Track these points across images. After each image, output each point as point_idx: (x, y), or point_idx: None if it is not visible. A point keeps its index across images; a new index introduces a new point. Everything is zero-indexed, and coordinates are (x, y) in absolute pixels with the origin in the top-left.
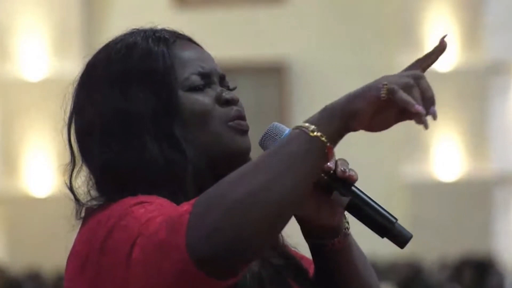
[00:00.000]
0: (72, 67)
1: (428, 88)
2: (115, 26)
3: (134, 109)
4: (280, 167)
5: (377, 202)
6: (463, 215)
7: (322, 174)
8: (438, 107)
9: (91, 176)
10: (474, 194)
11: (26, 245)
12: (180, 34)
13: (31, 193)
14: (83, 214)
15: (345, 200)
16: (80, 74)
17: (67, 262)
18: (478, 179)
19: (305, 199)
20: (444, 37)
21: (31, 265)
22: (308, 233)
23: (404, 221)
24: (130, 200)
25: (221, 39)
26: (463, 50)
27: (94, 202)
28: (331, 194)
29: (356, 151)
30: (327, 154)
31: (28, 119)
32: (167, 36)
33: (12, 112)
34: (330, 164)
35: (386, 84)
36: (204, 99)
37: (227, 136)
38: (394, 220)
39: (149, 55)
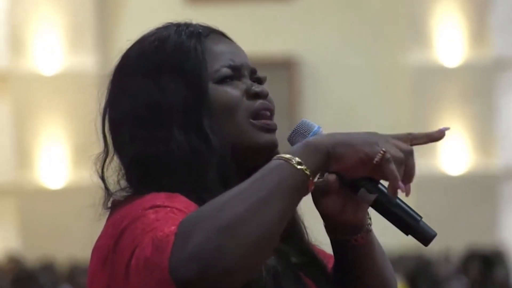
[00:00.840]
0: (85, 62)
1: (413, 167)
2: (128, 22)
3: (165, 100)
4: (264, 198)
5: (402, 200)
6: (470, 209)
7: None
8: (446, 102)
9: (122, 167)
10: (481, 188)
11: (40, 236)
12: (214, 29)
13: (45, 185)
14: (109, 205)
15: (372, 197)
16: (114, 67)
17: (92, 253)
18: (485, 173)
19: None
20: (445, 129)
21: (45, 256)
22: (331, 228)
23: None
24: (149, 201)
25: (232, 35)
26: (470, 47)
27: (123, 193)
28: (357, 192)
29: None
30: (308, 187)
31: (42, 112)
32: (200, 30)
33: (26, 105)
34: None
35: (384, 152)
36: (233, 91)
37: (251, 132)
38: (419, 218)
39: (181, 48)
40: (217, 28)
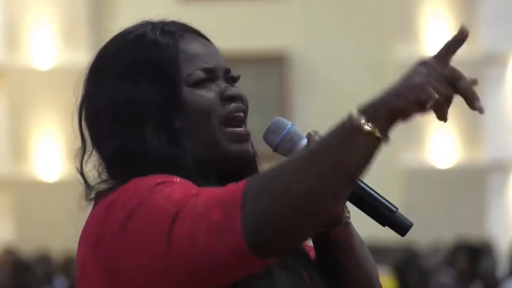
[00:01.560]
0: (80, 57)
1: (468, 88)
2: (122, 18)
3: (139, 100)
4: (334, 163)
5: (377, 192)
6: (457, 201)
7: None
8: None
9: (101, 161)
10: (469, 181)
11: (35, 228)
12: (189, 27)
13: (40, 178)
14: (92, 197)
15: None
16: (90, 63)
17: (79, 243)
18: (473, 166)
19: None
20: (463, 26)
21: (40, 247)
22: None
23: (401, 206)
24: (150, 181)
25: (224, 30)
26: None
27: (104, 186)
28: None
29: None
30: (379, 144)
31: (37, 106)
32: (174, 30)
33: (21, 100)
34: None
35: (434, 96)
36: (208, 94)
37: (223, 141)
38: (395, 209)
39: (155, 47)
40: (192, 27)
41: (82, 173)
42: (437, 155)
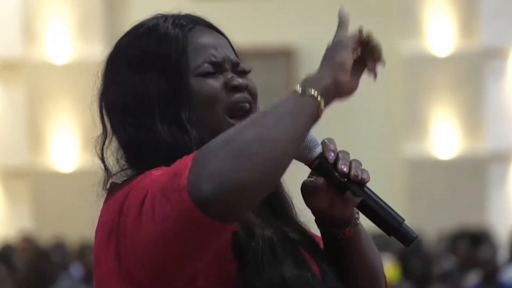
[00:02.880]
0: (95, 51)
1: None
2: (136, 12)
3: (148, 91)
4: (279, 122)
5: (386, 203)
6: (459, 190)
7: (337, 175)
8: (437, 89)
9: (119, 147)
10: (470, 171)
11: (52, 216)
12: (201, 20)
13: (56, 168)
14: (108, 186)
15: (357, 199)
16: (106, 56)
17: (95, 233)
18: (474, 156)
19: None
20: (341, 10)
21: (56, 235)
22: (321, 222)
23: (404, 196)
24: (151, 171)
25: (234, 25)
26: (460, 36)
27: (122, 174)
28: (344, 193)
29: (362, 132)
30: (319, 110)
31: (53, 99)
32: (184, 23)
33: (39, 92)
34: (344, 167)
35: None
36: (213, 83)
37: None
38: (402, 221)
39: (165, 40)
40: (204, 19)
41: (103, 159)
42: (439, 146)
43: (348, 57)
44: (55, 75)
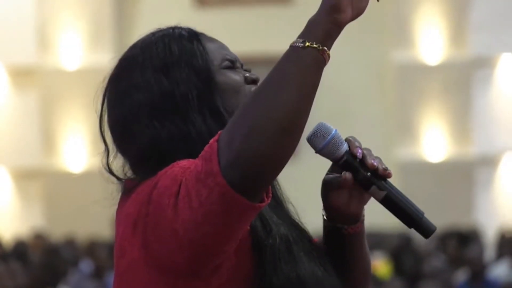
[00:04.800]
0: (105, 58)
1: None
2: (143, 23)
3: (178, 90)
4: (286, 84)
5: (406, 197)
6: (448, 192)
7: (362, 171)
8: (428, 96)
9: (129, 160)
10: (459, 174)
11: (63, 215)
12: (199, 32)
13: (68, 169)
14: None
15: (382, 194)
16: (114, 69)
17: (117, 226)
18: (462, 160)
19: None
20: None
21: (67, 232)
22: (331, 217)
23: None
24: (174, 164)
25: (236, 34)
26: (450, 46)
27: (134, 177)
28: (368, 189)
29: (358, 137)
30: (323, 56)
31: (65, 104)
32: (194, 32)
33: (51, 97)
34: (374, 162)
35: None
36: (235, 76)
37: None
38: (422, 214)
39: (186, 46)
40: (200, 31)
41: (111, 171)
42: (430, 150)
43: None
44: (67, 81)
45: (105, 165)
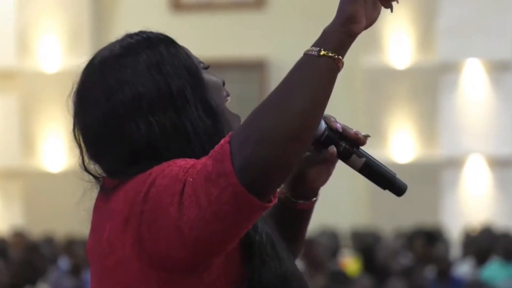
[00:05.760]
0: (81, 61)
1: None
2: (120, 27)
3: (174, 85)
4: (300, 92)
5: (378, 160)
6: (416, 192)
7: (342, 142)
8: (396, 100)
9: (110, 159)
10: (425, 175)
11: (42, 213)
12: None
13: (46, 169)
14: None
15: (362, 161)
16: (92, 68)
17: (104, 224)
18: (429, 162)
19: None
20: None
21: (46, 230)
22: (293, 191)
23: (367, 196)
24: (165, 163)
25: (210, 38)
26: (418, 51)
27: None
28: (348, 158)
29: None
30: (338, 65)
31: (44, 106)
32: (168, 36)
33: (30, 99)
34: (354, 130)
35: None
36: (213, 76)
37: (228, 115)
38: (395, 174)
39: (168, 45)
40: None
41: (88, 171)
42: (398, 152)
43: (358, 8)
44: (46, 83)
45: (81, 165)
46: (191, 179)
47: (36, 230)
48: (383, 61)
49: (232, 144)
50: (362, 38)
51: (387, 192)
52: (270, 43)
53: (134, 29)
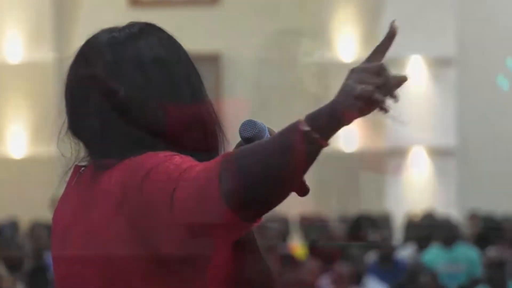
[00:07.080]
0: (44, 53)
1: (390, 87)
2: (82, 21)
3: (195, 75)
4: (282, 162)
5: None
6: (362, 180)
7: None
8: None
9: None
10: (371, 163)
11: (6, 198)
12: None
13: (9, 155)
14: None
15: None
16: (85, 59)
17: (89, 199)
18: (375, 151)
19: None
20: (393, 23)
21: (10, 215)
22: None
23: (314, 185)
24: (160, 154)
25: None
26: (363, 47)
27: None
28: None
29: None
30: (323, 146)
31: (7, 95)
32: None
33: None
34: None
35: (368, 91)
36: None
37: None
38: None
39: (170, 41)
40: None
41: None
42: (345, 141)
43: (354, 116)
44: (9, 74)
45: (69, 136)
46: (184, 184)
47: (0, 215)
48: (332, 57)
49: (222, 171)
50: (311, 34)
51: (335, 180)
52: (224, 38)
53: (94, 22)
